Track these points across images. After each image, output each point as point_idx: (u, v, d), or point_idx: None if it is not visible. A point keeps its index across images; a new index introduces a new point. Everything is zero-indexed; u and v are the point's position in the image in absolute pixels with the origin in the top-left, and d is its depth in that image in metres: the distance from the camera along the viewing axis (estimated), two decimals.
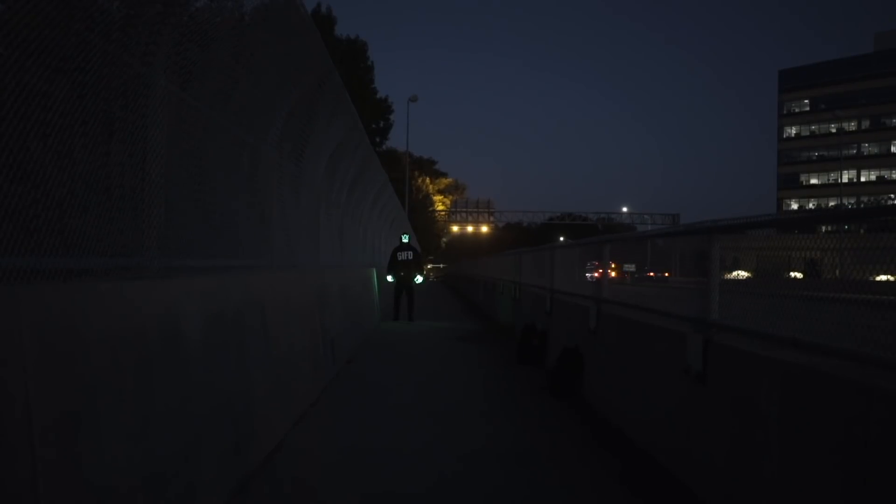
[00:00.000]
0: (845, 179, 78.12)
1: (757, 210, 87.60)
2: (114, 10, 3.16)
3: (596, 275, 7.79)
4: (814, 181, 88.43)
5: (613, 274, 7.61)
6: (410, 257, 15.26)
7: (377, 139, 40.31)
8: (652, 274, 7.01)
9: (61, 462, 2.36)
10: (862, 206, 26.86)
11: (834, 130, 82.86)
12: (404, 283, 15.20)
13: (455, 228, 79.95)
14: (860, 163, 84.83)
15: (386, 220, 19.11)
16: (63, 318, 2.49)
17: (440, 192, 78.80)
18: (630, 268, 7.20)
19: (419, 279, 15.61)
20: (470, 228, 78.39)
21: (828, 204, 73.20)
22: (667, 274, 6.61)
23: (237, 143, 4.95)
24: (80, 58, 2.76)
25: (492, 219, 78.39)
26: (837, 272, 3.33)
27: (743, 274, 4.46)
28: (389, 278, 15.26)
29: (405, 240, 15.64)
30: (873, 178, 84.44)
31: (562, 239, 45.52)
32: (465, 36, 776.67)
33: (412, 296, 15.20)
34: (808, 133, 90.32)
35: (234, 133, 4.83)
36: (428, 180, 72.87)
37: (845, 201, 68.45)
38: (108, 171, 3.04)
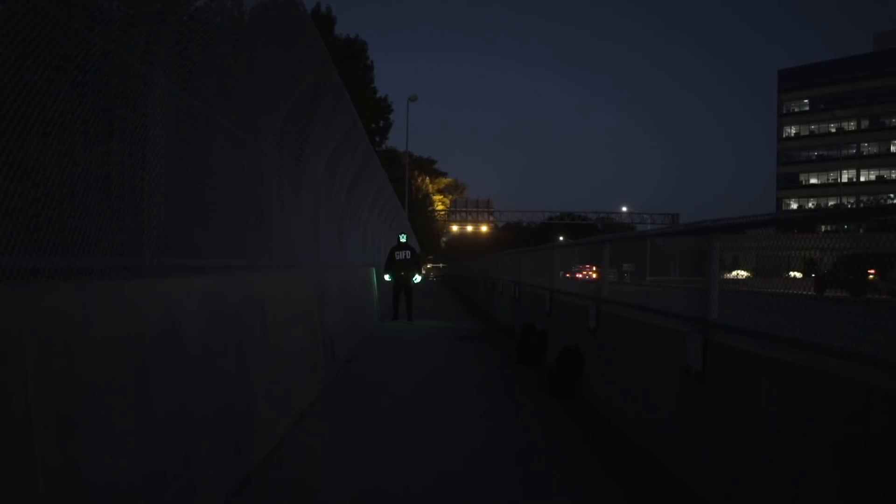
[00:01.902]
0: (845, 179, 78.13)
1: (756, 209, 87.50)
2: (114, 9, 3.16)
3: (581, 275, 8.15)
4: (813, 181, 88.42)
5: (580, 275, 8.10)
6: (408, 257, 15.24)
7: (377, 139, 40.31)
8: (580, 276, 7.40)
9: (61, 462, 2.36)
10: (862, 205, 26.87)
11: (833, 130, 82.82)
12: (403, 283, 15.20)
13: (455, 228, 79.97)
14: (860, 162, 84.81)
15: (386, 220, 19.11)
16: (63, 318, 2.49)
17: (440, 191, 78.76)
18: (630, 267, 7.27)
19: (418, 279, 15.61)
20: (469, 228, 78.44)
21: (827, 203, 73.21)
22: (591, 275, 7.12)
23: (237, 142, 4.95)
24: (81, 57, 2.76)
25: (491, 218, 78.45)
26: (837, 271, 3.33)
27: (742, 273, 4.46)
28: (387, 277, 15.26)
29: (403, 239, 15.61)
30: (873, 177, 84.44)
31: (561, 238, 45.58)
32: (465, 36, 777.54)
33: (411, 295, 15.19)
34: (807, 133, 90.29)
35: (234, 133, 4.83)
36: (427, 180, 72.83)
37: (845, 201, 68.43)
38: (107, 170, 3.04)
